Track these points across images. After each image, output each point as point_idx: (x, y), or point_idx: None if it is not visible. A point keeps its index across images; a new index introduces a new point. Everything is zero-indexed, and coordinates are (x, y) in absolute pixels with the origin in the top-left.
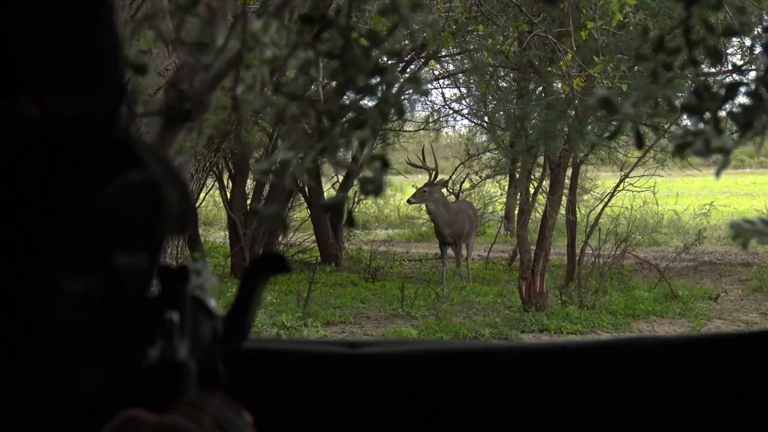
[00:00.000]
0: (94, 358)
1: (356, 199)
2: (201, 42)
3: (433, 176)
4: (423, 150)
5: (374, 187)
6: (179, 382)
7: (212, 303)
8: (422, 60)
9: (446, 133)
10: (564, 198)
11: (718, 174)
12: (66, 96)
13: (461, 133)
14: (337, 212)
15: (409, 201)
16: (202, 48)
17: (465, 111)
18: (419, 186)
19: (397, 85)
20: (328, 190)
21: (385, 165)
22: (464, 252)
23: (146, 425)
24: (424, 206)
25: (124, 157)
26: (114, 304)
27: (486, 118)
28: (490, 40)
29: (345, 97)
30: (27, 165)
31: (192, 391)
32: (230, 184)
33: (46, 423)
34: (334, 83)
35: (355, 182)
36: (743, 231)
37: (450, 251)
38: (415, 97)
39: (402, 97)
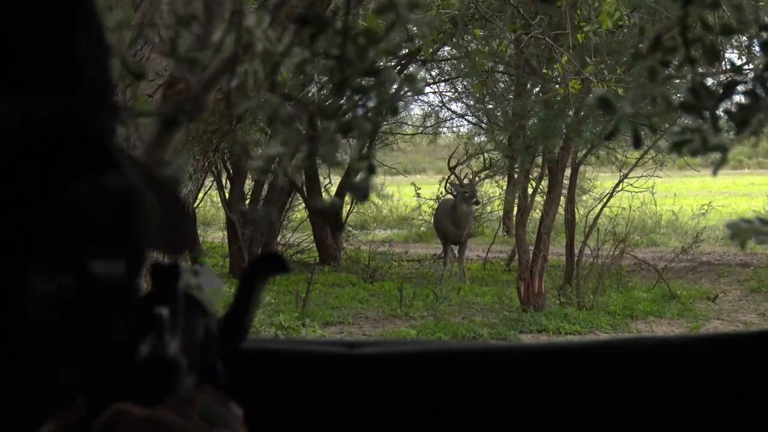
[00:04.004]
0: (74, 356)
1: (354, 201)
2: (194, 59)
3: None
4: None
5: (360, 193)
6: (169, 378)
7: (209, 302)
8: (418, 61)
9: (444, 134)
10: (562, 198)
11: (715, 172)
12: (40, 98)
13: (459, 133)
14: (328, 217)
15: (477, 202)
16: (195, 64)
17: (463, 111)
18: (417, 184)
19: (395, 86)
20: (325, 190)
21: (371, 170)
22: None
23: (135, 419)
24: (429, 204)
25: (99, 161)
26: (89, 306)
27: (484, 119)
28: (486, 47)
29: (341, 98)
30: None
31: (182, 387)
32: (228, 185)
33: (29, 422)
34: (330, 84)
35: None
36: (740, 230)
37: (450, 251)
38: (410, 96)
39: (398, 97)
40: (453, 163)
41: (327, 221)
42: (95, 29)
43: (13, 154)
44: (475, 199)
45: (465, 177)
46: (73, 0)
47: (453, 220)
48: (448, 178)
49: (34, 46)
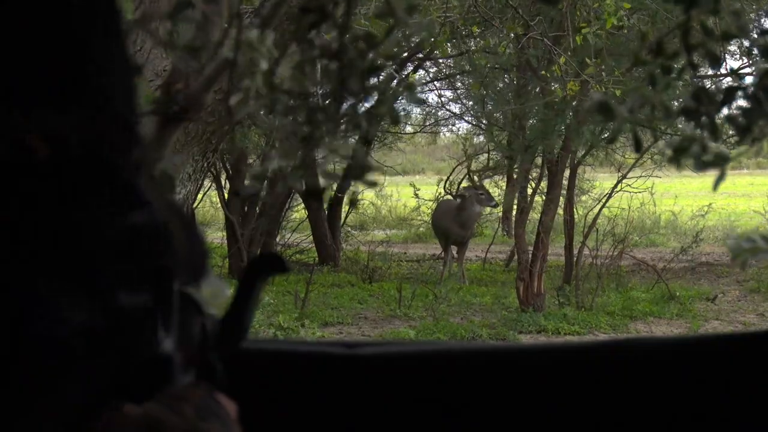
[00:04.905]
0: (81, 375)
1: (353, 200)
2: (194, 47)
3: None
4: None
5: (359, 171)
6: (163, 374)
7: (205, 301)
8: (417, 63)
9: (444, 134)
10: (562, 198)
11: (715, 187)
12: (74, 133)
13: (459, 134)
14: (316, 196)
15: (496, 204)
16: (195, 53)
17: (463, 112)
18: (415, 184)
19: (391, 91)
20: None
21: (367, 142)
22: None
23: (129, 417)
24: (428, 205)
25: (130, 197)
26: (114, 336)
27: (483, 119)
28: (483, 42)
29: (340, 99)
30: (29, 196)
31: (176, 383)
32: (227, 185)
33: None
34: (328, 85)
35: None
36: (742, 250)
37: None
38: (410, 104)
39: (397, 102)
40: (465, 163)
41: (316, 199)
42: (125, 59)
43: (47, 190)
44: (494, 202)
45: (465, 178)
46: (109, 38)
47: (460, 220)
48: (447, 177)
49: (69, 82)
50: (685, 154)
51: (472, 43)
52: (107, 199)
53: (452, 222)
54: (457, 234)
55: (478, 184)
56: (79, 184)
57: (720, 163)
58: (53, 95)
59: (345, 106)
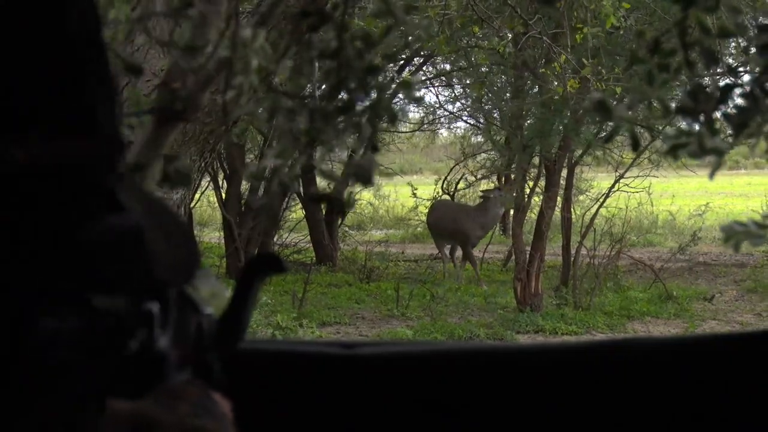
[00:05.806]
0: (81, 374)
1: (350, 200)
2: (193, 46)
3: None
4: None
5: (364, 175)
6: (158, 371)
7: (202, 301)
8: (417, 63)
9: (441, 134)
10: (559, 198)
11: (711, 176)
12: (53, 143)
13: (456, 133)
14: (330, 203)
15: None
16: (194, 51)
17: (461, 111)
18: (413, 184)
19: (390, 91)
20: (323, 189)
21: (375, 149)
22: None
23: (121, 415)
24: (425, 204)
25: (106, 204)
26: (95, 343)
27: (481, 118)
28: (486, 42)
29: (339, 98)
30: (7, 205)
31: (171, 380)
32: (225, 185)
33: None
34: (327, 85)
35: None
36: (734, 233)
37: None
38: (407, 103)
39: (395, 101)
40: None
41: (333, 206)
42: (109, 78)
43: (29, 200)
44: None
45: (463, 177)
46: (91, 51)
47: (481, 222)
48: (445, 177)
49: (51, 93)
50: (683, 150)
51: (467, 41)
52: (85, 204)
53: (473, 223)
54: (476, 236)
55: (504, 185)
56: (57, 189)
57: (716, 153)
58: (34, 107)
59: (342, 104)
